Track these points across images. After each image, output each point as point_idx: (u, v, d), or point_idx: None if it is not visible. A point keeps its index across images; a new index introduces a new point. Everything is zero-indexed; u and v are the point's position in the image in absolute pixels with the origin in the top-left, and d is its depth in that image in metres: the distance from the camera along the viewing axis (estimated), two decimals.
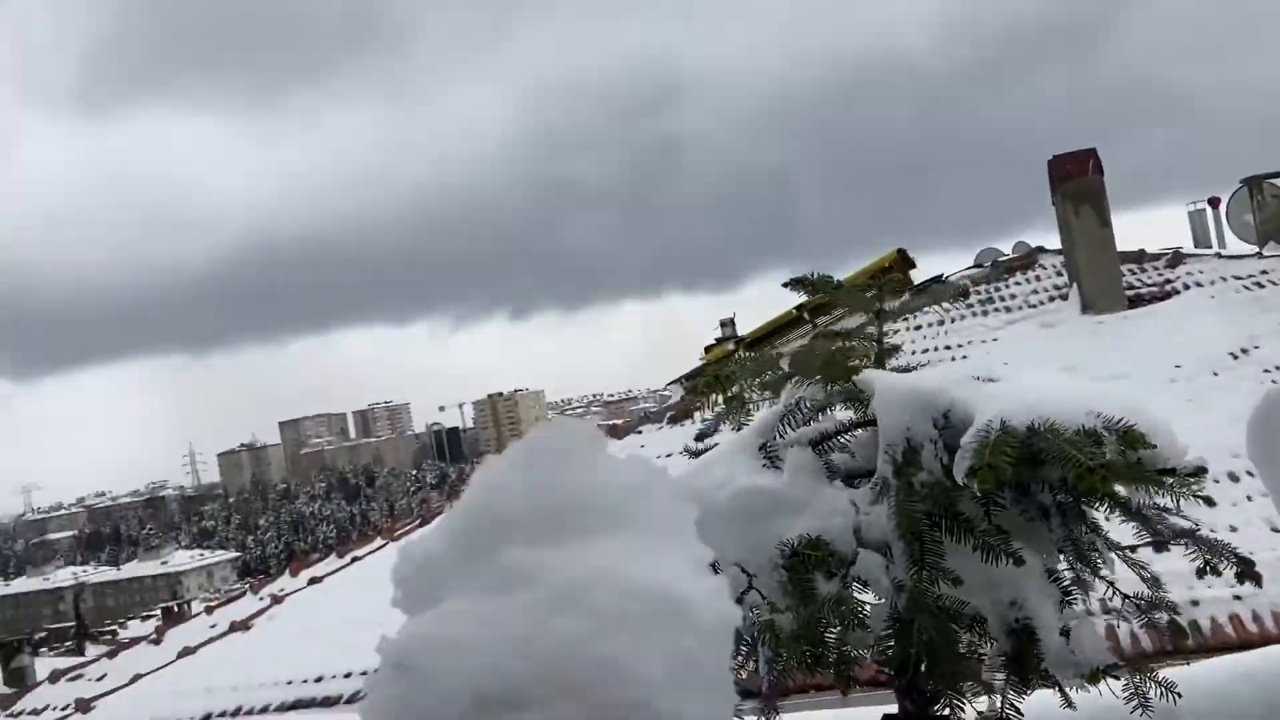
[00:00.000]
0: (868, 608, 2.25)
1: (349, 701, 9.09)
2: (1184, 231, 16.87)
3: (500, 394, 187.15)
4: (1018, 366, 2.52)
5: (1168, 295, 13.78)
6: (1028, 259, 16.14)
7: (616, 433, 16.68)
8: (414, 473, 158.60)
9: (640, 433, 15.73)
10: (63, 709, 13.20)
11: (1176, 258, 14.97)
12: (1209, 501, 2.20)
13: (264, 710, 9.48)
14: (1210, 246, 15.96)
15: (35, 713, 13.81)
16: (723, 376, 2.45)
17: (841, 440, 2.49)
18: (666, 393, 19.68)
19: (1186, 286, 13.87)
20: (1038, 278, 15.44)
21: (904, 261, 18.30)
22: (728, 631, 0.60)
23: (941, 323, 14.91)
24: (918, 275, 18.09)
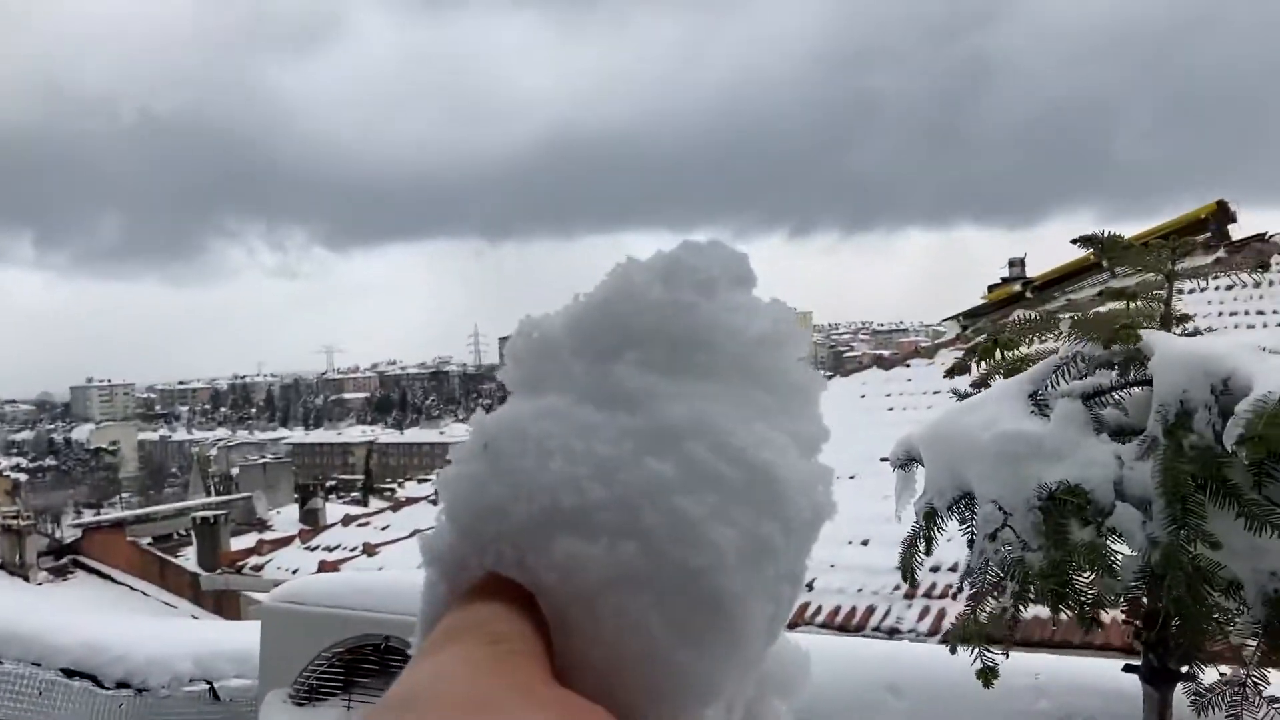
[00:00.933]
0: (1120, 558, 2.33)
1: None
2: None
3: None
4: None
5: None
6: None
7: (884, 363, 16.57)
8: None
9: (909, 366, 15.57)
10: (352, 549, 14.76)
11: None
12: None
13: None
14: None
15: (329, 548, 15.52)
16: (1002, 341, 2.54)
17: (1115, 396, 2.54)
18: (941, 328, 19.23)
19: None
20: None
21: (1222, 215, 16.97)
22: (815, 527, 0.53)
23: (1257, 285, 13.86)
24: (1238, 231, 16.79)
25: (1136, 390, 2.51)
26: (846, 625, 9.29)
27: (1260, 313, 13.17)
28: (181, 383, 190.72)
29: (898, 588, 8.97)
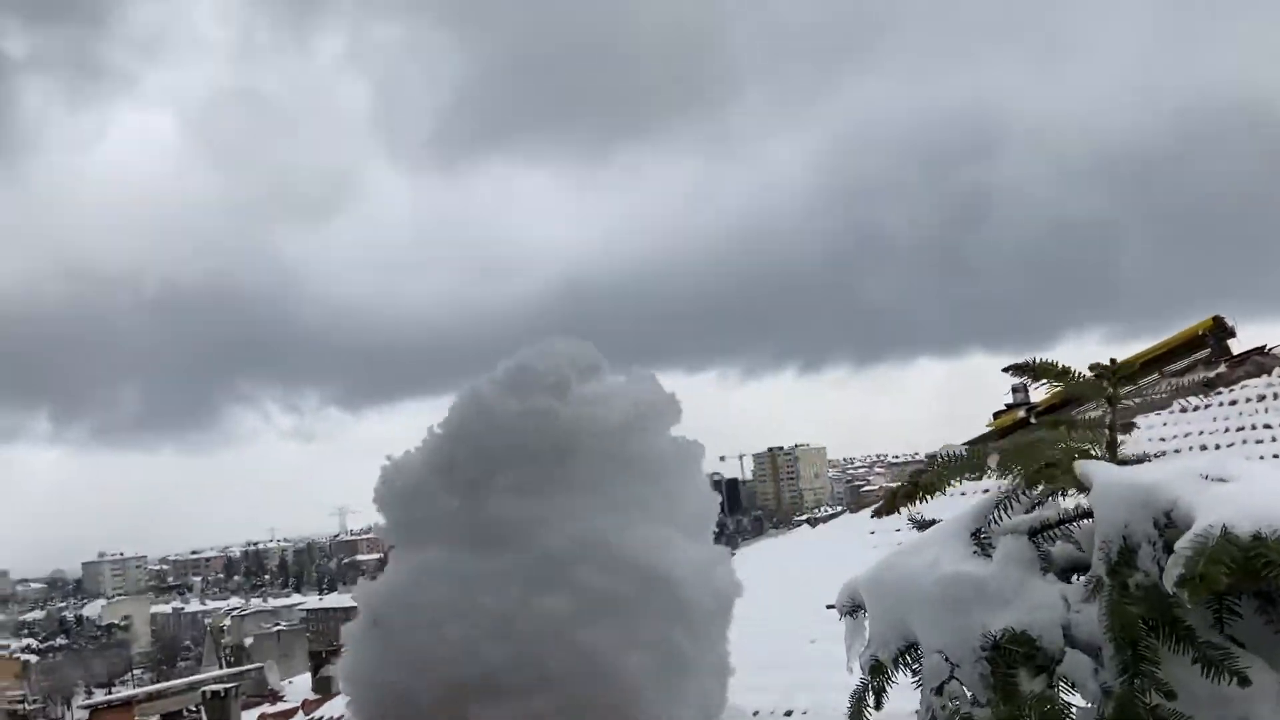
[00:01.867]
0: (1074, 710, 2.15)
1: None
2: None
3: (780, 448, 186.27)
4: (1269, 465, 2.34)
5: None
6: None
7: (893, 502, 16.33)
8: None
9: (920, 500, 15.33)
10: None
11: None
12: None
13: None
14: None
15: None
16: (923, 484, 2.43)
17: (1066, 529, 2.39)
18: None
19: None
20: None
21: (1219, 329, 16.98)
22: (724, 611, 0.49)
23: (1262, 398, 13.74)
24: (1240, 344, 16.76)
25: (1087, 522, 2.36)
26: None
27: (1268, 426, 12.99)
28: (194, 552, 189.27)
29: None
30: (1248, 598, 2.08)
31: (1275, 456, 11.84)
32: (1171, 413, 13.62)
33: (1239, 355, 16.02)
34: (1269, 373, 14.43)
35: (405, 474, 0.56)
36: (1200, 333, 16.79)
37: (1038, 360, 2.50)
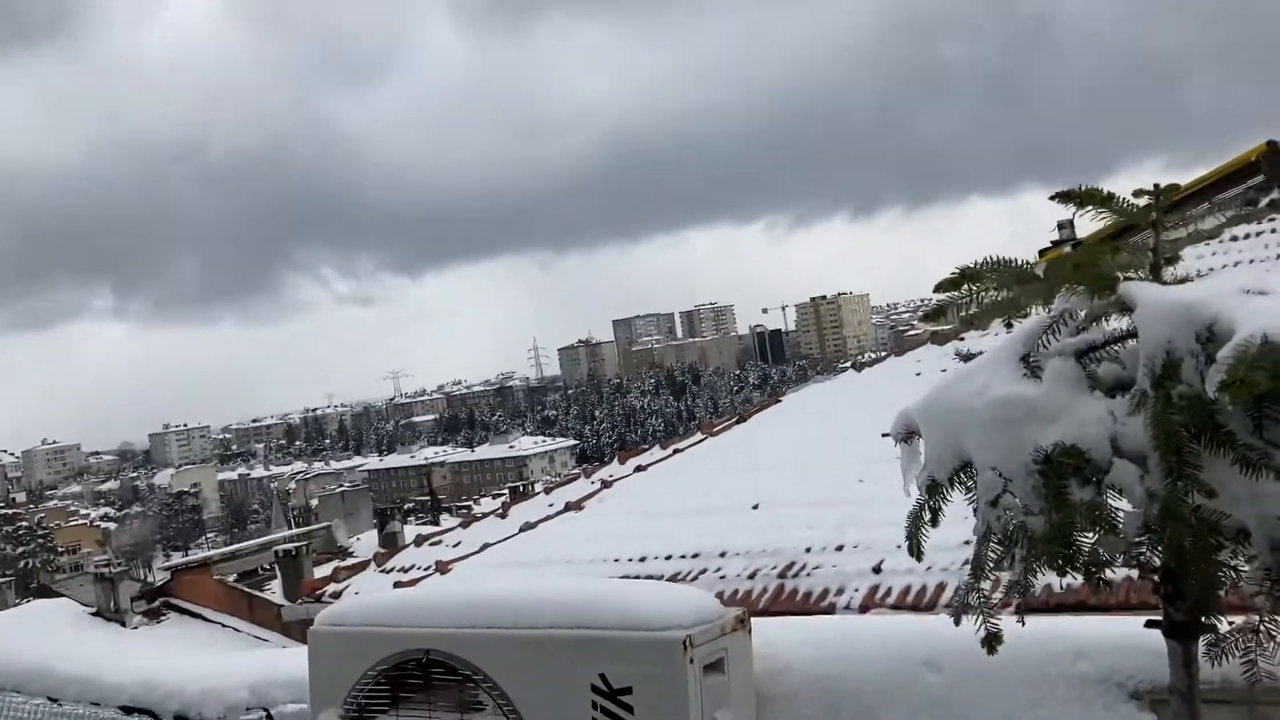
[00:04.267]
0: (1121, 514, 2.30)
1: (669, 581, 9.79)
2: None
3: (823, 297, 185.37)
4: None
5: None
6: None
7: (938, 338, 16.37)
8: (737, 372, 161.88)
9: (963, 339, 15.38)
10: (425, 568, 14.99)
11: None
12: None
13: None
14: None
15: (404, 570, 15.74)
16: (968, 275, 2.53)
17: (1112, 351, 2.50)
18: None
19: None
20: None
21: (1274, 155, 16.51)
22: None
23: None
24: None
25: (1132, 342, 2.47)
26: (918, 605, 9.17)
27: None
28: (255, 421, 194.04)
29: (967, 562, 8.85)
30: None
31: None
32: (1221, 241, 13.44)
33: None
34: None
35: None
36: (1254, 159, 16.35)
37: (1083, 187, 2.57)
